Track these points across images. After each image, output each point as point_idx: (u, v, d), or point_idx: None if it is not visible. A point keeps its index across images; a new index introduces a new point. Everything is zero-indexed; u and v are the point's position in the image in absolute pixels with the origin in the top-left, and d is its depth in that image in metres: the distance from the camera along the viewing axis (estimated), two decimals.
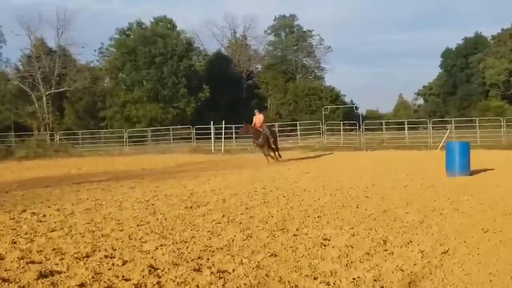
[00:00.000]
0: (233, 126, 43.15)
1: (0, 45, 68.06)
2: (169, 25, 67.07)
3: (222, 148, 39.99)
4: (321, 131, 44.63)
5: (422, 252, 7.06)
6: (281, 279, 5.94)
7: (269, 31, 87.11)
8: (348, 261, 6.65)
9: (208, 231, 8.66)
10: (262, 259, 6.79)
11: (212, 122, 41.26)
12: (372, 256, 6.91)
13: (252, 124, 26.24)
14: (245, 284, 5.78)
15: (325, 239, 7.89)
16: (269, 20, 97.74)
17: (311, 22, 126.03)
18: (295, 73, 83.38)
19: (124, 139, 45.86)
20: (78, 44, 71.83)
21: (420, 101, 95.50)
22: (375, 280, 5.87)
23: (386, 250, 7.20)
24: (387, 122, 52.47)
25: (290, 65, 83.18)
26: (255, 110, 27.56)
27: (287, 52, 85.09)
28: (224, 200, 12.55)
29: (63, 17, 66.74)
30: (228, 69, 76.59)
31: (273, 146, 26.13)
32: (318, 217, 9.85)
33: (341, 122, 47.35)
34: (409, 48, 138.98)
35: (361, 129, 42.82)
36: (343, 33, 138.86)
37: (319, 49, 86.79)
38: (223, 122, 41.41)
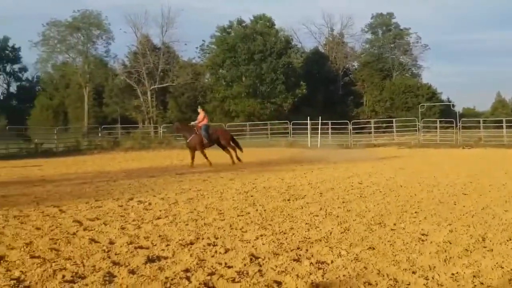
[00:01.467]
0: (329, 122, 43.16)
1: (108, 42, 70.70)
2: (268, 23, 67.49)
3: (319, 143, 40.05)
4: (417, 128, 43.97)
5: None
6: (380, 272, 5.96)
7: (366, 29, 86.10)
8: (446, 256, 6.59)
9: (306, 223, 8.78)
10: (360, 251, 6.83)
11: (308, 118, 41.32)
12: (470, 252, 6.82)
13: (196, 122, 23.99)
14: (344, 275, 5.83)
15: (422, 234, 7.84)
16: (366, 18, 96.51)
17: (408, 20, 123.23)
18: (391, 71, 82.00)
19: None
20: (181, 41, 73.84)
21: None
22: (474, 276, 5.80)
23: (485, 247, 7.08)
24: (484, 120, 50.98)
25: (386, 63, 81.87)
26: (198, 108, 25.65)
27: (384, 50, 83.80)
28: (321, 193, 12.64)
29: (167, 15, 68.57)
30: (324, 66, 76.33)
31: (230, 148, 23.95)
32: (415, 212, 9.80)
33: (438, 120, 46.46)
34: (507, 45, 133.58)
35: (458, 127, 41.89)
36: (440, 31, 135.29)
37: (416, 47, 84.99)
38: (320, 118, 41.43)
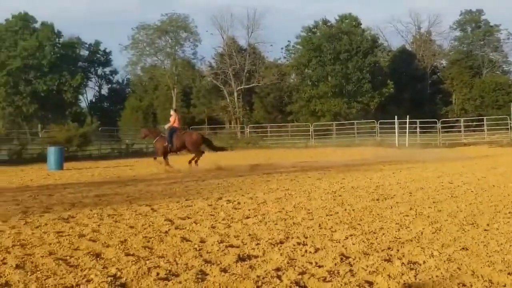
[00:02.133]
0: (417, 121, 42.48)
1: (195, 44, 71.93)
2: (354, 22, 66.98)
3: (407, 142, 39.46)
4: (509, 127, 42.69)
5: None
6: (474, 273, 5.82)
7: (454, 27, 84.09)
8: None
9: (396, 223, 8.67)
10: (453, 252, 6.68)
11: (396, 117, 40.78)
12: None
13: (168, 125, 23.53)
14: (437, 276, 5.73)
15: None
16: (454, 15, 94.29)
17: (499, 17, 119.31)
18: (481, 68, 79.67)
19: (310, 133, 46.67)
20: (267, 42, 74.37)
21: None
22: None
23: None
24: None
25: (476, 60, 79.59)
26: (171, 110, 25.07)
27: (473, 47, 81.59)
28: (410, 193, 12.46)
29: (253, 17, 69.19)
30: (412, 65, 75.04)
31: (197, 152, 23.08)
32: (509, 213, 9.49)
33: None
34: None
35: None
36: None
37: (506, 44, 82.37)
38: (407, 117, 40.82)
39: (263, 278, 5.70)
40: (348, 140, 44.21)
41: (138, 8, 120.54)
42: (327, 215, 9.54)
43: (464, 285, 5.46)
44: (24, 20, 67.47)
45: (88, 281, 5.67)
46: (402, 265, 6.13)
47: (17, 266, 6.24)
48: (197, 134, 24.87)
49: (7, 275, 5.93)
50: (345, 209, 10.16)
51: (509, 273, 5.80)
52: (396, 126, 40.94)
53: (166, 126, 23.66)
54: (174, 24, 68.92)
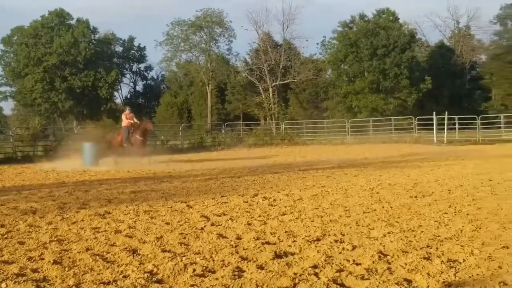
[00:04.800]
0: (456, 117, 41.97)
1: (230, 40, 72.03)
2: (391, 17, 66.37)
3: (445, 139, 39.00)
4: None
5: None
6: None
7: (494, 21, 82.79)
8: None
9: (435, 221, 8.56)
10: (494, 250, 6.57)
11: (434, 113, 40.32)
12: None
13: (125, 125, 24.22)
14: (477, 274, 5.66)
15: None
16: (494, 9, 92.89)
17: None
18: None
19: (346, 129, 46.39)
20: (302, 38, 74.01)
21: None
22: None
23: None
24: None
25: None
26: (127, 109, 25.72)
27: None
28: (449, 190, 12.29)
29: (288, 12, 69.06)
30: (450, 60, 74.08)
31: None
32: None
33: None
34: None
35: None
36: None
37: None
38: (446, 113, 40.33)
39: (300, 276, 5.69)
40: (385, 136, 43.86)
41: (173, 3, 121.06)
42: (364, 212, 9.47)
43: (505, 284, 5.39)
44: (60, 17, 68.29)
45: (125, 276, 5.73)
46: (441, 263, 6.07)
47: (55, 262, 6.31)
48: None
49: (45, 270, 6.01)
50: (383, 206, 10.07)
51: None
52: (434, 122, 40.43)
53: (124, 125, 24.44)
54: (209, 19, 69.02)
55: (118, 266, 6.14)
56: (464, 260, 6.19)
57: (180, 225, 8.54)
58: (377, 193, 12.11)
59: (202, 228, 8.26)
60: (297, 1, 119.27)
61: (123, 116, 24.67)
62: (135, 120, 24.42)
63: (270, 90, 66.75)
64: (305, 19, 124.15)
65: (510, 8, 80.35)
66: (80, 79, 65.97)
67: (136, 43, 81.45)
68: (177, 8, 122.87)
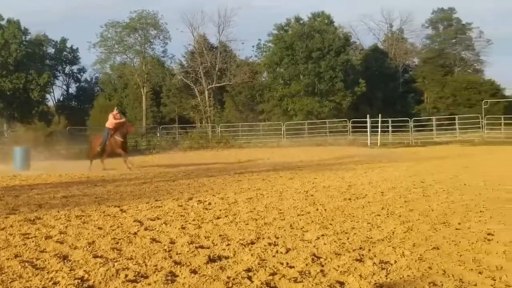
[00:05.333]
0: (389, 119, 42.75)
1: (165, 42, 71.30)
2: (326, 20, 67.04)
3: (378, 141, 39.67)
4: (480, 125, 43.13)
5: None
6: (445, 272, 5.85)
7: (426, 25, 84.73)
8: None
9: (368, 223, 8.68)
10: (424, 251, 6.71)
11: (368, 116, 40.96)
12: None
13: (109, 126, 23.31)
14: (408, 275, 5.75)
15: (488, 234, 7.65)
16: (426, 13, 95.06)
17: (471, 15, 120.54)
18: (453, 67, 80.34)
19: (282, 132, 46.67)
20: (238, 40, 74.08)
21: None
22: None
23: None
24: None
25: (448, 59, 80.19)
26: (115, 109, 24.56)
27: (445, 45, 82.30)
28: (382, 192, 12.49)
29: (224, 14, 68.94)
30: (384, 63, 75.35)
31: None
32: (480, 212, 9.57)
33: (502, 116, 45.35)
34: None
35: None
36: (504, 25, 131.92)
37: (478, 42, 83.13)
38: (379, 116, 41.04)
39: (234, 279, 5.68)
40: (320, 139, 44.30)
41: (107, 5, 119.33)
42: (298, 215, 9.51)
43: (435, 284, 5.48)
44: None
45: (55, 283, 5.61)
46: (373, 265, 6.15)
47: None
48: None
49: None
50: (317, 209, 10.14)
51: (480, 272, 5.86)
52: (368, 125, 41.09)
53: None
54: (144, 21, 68.18)
55: (48, 272, 5.98)
56: (395, 262, 6.28)
57: (113, 230, 8.40)
58: (311, 195, 12.19)
59: (135, 233, 8.15)
60: (233, 4, 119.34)
61: (110, 116, 23.48)
62: (123, 119, 23.77)
63: (206, 92, 66.48)
64: (241, 21, 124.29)
65: (441, 13, 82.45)
66: (11, 81, 64.24)
67: (68, 45, 79.80)
68: (111, 9, 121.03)
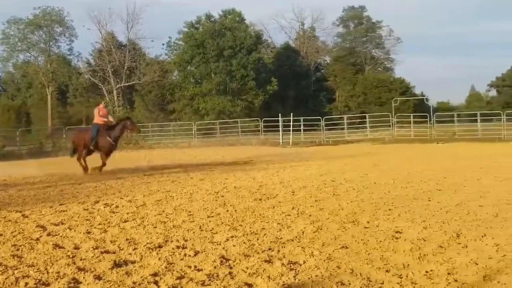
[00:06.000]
0: (301, 118, 43.21)
1: (71, 40, 69.59)
2: (237, 18, 67.14)
3: (290, 140, 40.07)
4: (390, 124, 44.22)
5: (497, 245, 6.86)
6: (353, 271, 5.89)
7: (337, 23, 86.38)
8: (420, 254, 6.54)
9: (278, 223, 8.66)
10: (333, 251, 6.74)
11: (280, 115, 41.28)
12: (445, 249, 6.76)
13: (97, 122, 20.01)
14: (316, 275, 5.75)
15: (396, 232, 7.78)
16: (337, 11, 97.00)
17: (381, 13, 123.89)
18: (364, 65, 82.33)
19: (193, 132, 46.46)
20: (148, 38, 73.15)
21: (493, 92, 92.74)
22: (448, 274, 5.74)
23: (459, 244, 7.03)
24: (458, 114, 51.44)
25: (359, 57, 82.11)
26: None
27: (355, 43, 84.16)
28: (293, 192, 12.53)
29: (132, 11, 67.99)
30: (296, 62, 76.22)
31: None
32: (389, 210, 9.74)
33: (411, 114, 46.69)
34: (481, 39, 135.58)
35: (432, 121, 42.25)
36: (413, 24, 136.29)
37: (388, 41, 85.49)
38: (291, 115, 41.44)
39: (139, 284, 5.60)
40: (232, 138, 44.35)
41: (9, 1, 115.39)
42: (208, 217, 9.42)
43: (342, 283, 5.51)
44: None
45: None
46: (282, 265, 6.13)
47: None
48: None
49: None
50: (227, 210, 10.07)
51: (387, 270, 5.92)
52: (280, 124, 41.40)
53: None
54: (48, 18, 66.37)
55: None
56: (304, 262, 6.28)
57: (14, 236, 8.09)
58: (222, 196, 12.10)
59: (37, 239, 7.87)
60: (142, 1, 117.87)
61: (95, 111, 20.32)
62: (110, 118, 20.50)
63: (115, 92, 65.37)
64: (151, 19, 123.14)
65: (352, 11, 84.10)
66: None
67: None
68: (14, 5, 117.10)
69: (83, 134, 20.65)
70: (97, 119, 19.97)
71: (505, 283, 5.44)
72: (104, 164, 19.66)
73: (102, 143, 19.61)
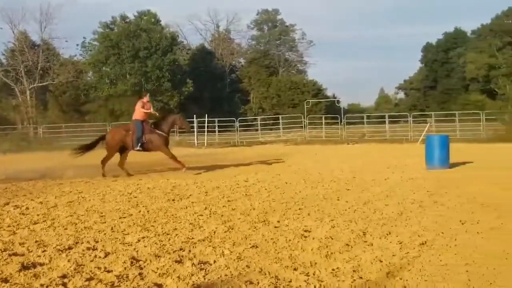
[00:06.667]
0: (216, 119, 43.26)
1: None
2: (153, 19, 66.62)
3: (205, 141, 40.02)
4: (303, 125, 44.82)
5: (400, 243, 7.15)
6: (262, 270, 6.01)
7: (252, 26, 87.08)
8: (328, 252, 6.73)
9: (190, 223, 8.73)
10: (243, 250, 6.86)
11: (195, 116, 41.21)
12: (351, 247, 7.00)
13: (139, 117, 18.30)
14: (226, 275, 5.84)
15: (305, 231, 7.98)
16: (252, 14, 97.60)
17: (294, 16, 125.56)
18: (277, 67, 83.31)
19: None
20: (62, 38, 71.43)
21: (401, 95, 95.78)
22: (354, 271, 5.94)
23: (365, 242, 7.29)
24: (368, 115, 52.87)
25: (272, 59, 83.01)
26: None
27: (269, 46, 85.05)
28: (206, 192, 12.62)
29: (46, 11, 66.32)
30: (211, 63, 76.28)
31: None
32: (299, 209, 9.96)
33: (323, 116, 47.47)
34: (390, 42, 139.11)
35: (342, 123, 43.10)
36: (325, 27, 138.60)
37: (301, 44, 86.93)
38: (206, 116, 41.45)
39: (47, 287, 5.55)
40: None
41: None
42: (120, 218, 9.38)
43: (251, 282, 5.60)
44: None
45: None
46: (192, 265, 6.19)
47: None
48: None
49: None
50: (140, 211, 10.06)
51: (295, 269, 6.05)
52: (195, 125, 41.29)
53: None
54: None
55: None
56: (214, 262, 6.36)
57: None
58: (135, 197, 12.07)
59: None
60: (57, 1, 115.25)
61: (138, 105, 18.37)
62: (153, 111, 18.76)
63: (28, 92, 63.53)
64: (65, 19, 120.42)
65: (266, 14, 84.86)
66: None
67: None
68: None
69: (120, 134, 18.55)
70: (139, 114, 18.23)
71: (406, 280, 5.67)
72: (175, 158, 18.50)
73: (155, 140, 18.01)
